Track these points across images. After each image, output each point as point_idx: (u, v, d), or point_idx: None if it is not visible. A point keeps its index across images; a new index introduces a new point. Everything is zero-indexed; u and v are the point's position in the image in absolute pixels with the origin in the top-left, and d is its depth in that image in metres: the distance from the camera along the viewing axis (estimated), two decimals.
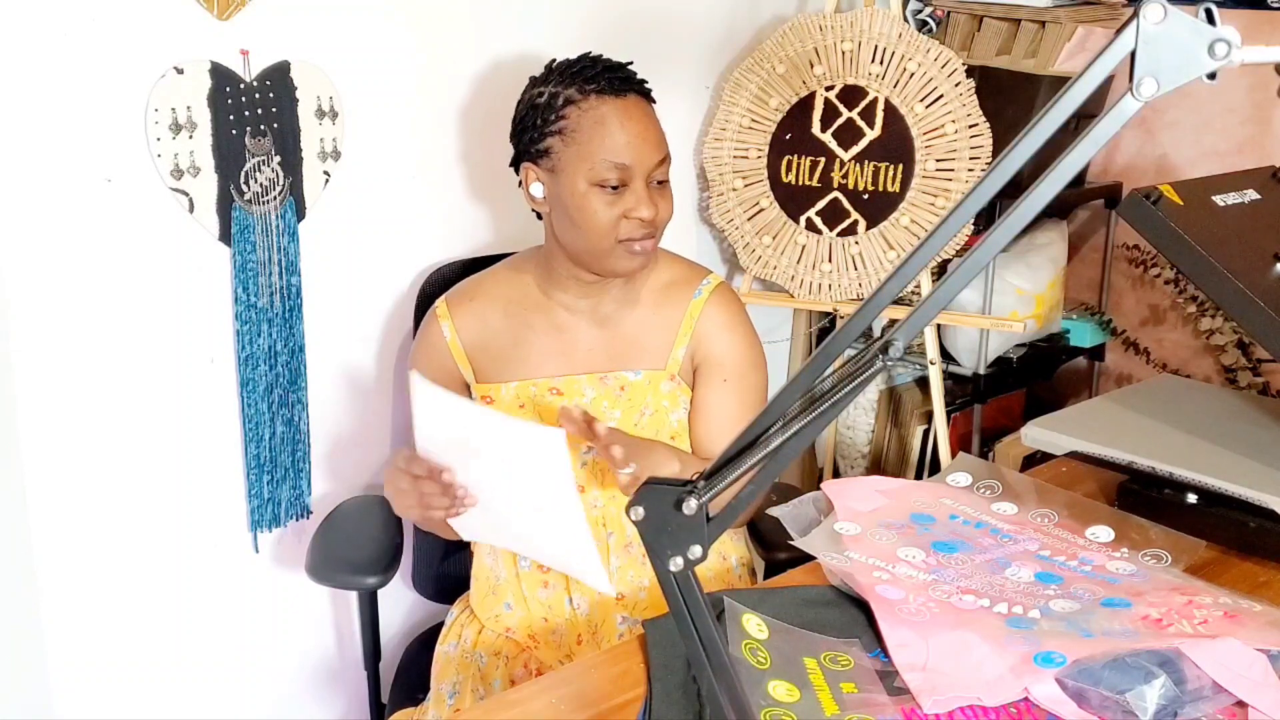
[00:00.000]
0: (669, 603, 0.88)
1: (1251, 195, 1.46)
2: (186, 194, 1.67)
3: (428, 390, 1.40)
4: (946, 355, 2.54)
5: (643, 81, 1.53)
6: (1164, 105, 2.58)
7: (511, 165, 1.58)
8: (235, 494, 1.83)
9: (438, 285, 1.77)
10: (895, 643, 1.13)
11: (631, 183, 1.48)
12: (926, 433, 2.55)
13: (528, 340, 1.59)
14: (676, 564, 0.87)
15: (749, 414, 1.39)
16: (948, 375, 2.51)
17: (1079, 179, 2.62)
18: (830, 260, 2.30)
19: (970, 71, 2.24)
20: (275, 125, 1.74)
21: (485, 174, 2.01)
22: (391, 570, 1.63)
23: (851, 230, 2.27)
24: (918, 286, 2.35)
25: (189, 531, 1.79)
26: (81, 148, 1.58)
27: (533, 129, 1.51)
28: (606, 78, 1.49)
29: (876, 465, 2.67)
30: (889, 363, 0.81)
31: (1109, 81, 0.77)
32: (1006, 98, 2.32)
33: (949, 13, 2.54)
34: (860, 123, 2.25)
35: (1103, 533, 1.36)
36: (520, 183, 1.56)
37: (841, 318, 2.42)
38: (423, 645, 1.80)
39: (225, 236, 1.72)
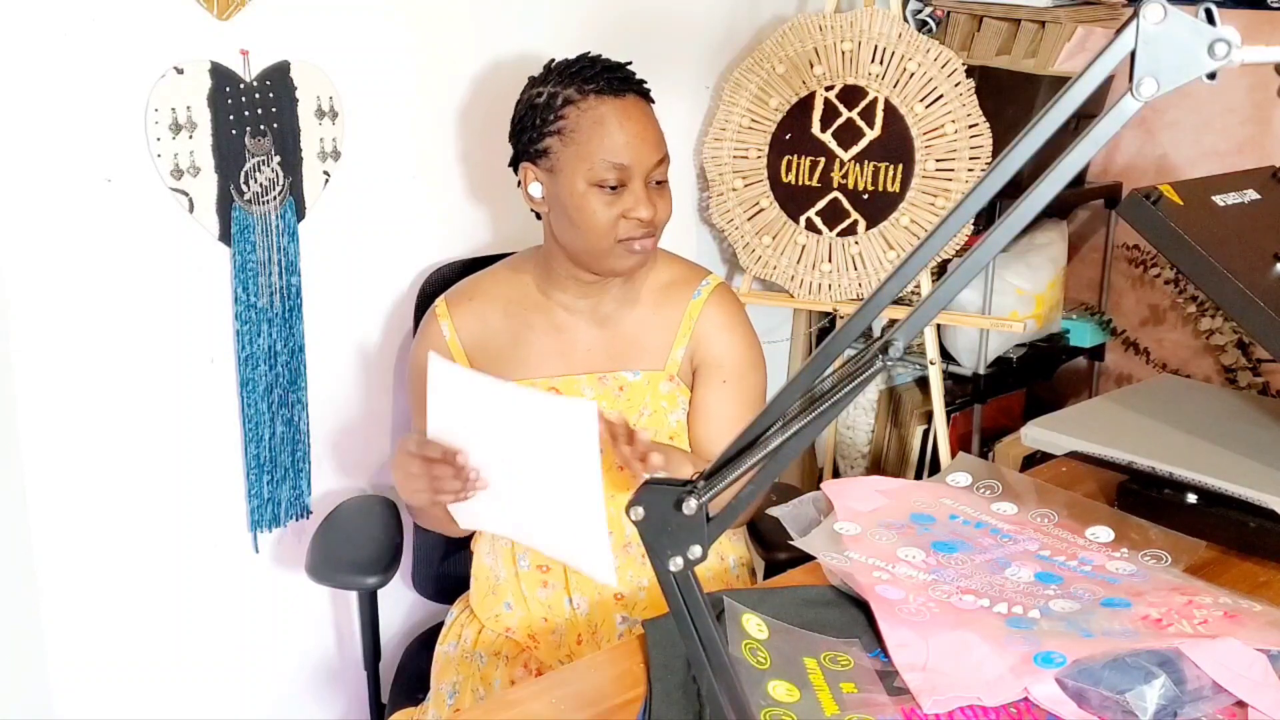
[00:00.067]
0: (669, 603, 0.88)
1: (1251, 195, 1.46)
2: (186, 194, 1.67)
3: (447, 370, 1.40)
4: (946, 355, 2.54)
5: (642, 81, 1.54)
6: (1164, 105, 2.58)
7: (510, 165, 1.58)
8: (235, 494, 1.83)
9: (437, 285, 1.77)
10: (895, 643, 1.13)
11: (630, 183, 1.48)
12: (926, 433, 2.55)
13: (527, 340, 1.59)
14: (676, 564, 0.87)
15: (748, 415, 1.39)
16: (948, 375, 2.51)
17: (1079, 179, 2.62)
18: (830, 260, 2.30)
19: (970, 71, 2.24)
20: (275, 125, 1.74)
21: (485, 174, 2.01)
22: (391, 570, 1.63)
23: (851, 230, 2.27)
24: (918, 286, 2.35)
25: (189, 531, 1.79)
26: (81, 148, 1.58)
27: (531, 129, 1.51)
28: (605, 78, 1.49)
29: (876, 465, 2.67)
30: (889, 363, 0.81)
31: (1109, 81, 0.77)
32: (1006, 98, 2.32)
33: (949, 13, 2.54)
34: (860, 123, 2.25)
35: (1103, 533, 1.36)
36: (519, 183, 1.56)
37: (841, 318, 2.42)
38: (423, 645, 1.80)
39: (225, 236, 1.72)
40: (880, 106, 2.24)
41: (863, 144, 2.25)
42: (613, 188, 1.48)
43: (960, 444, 2.50)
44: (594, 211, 1.48)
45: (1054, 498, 1.44)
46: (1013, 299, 2.47)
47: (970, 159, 2.19)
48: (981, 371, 2.49)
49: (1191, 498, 1.37)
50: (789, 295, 2.35)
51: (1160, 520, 1.37)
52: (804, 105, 2.29)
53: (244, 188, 1.72)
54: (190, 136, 1.65)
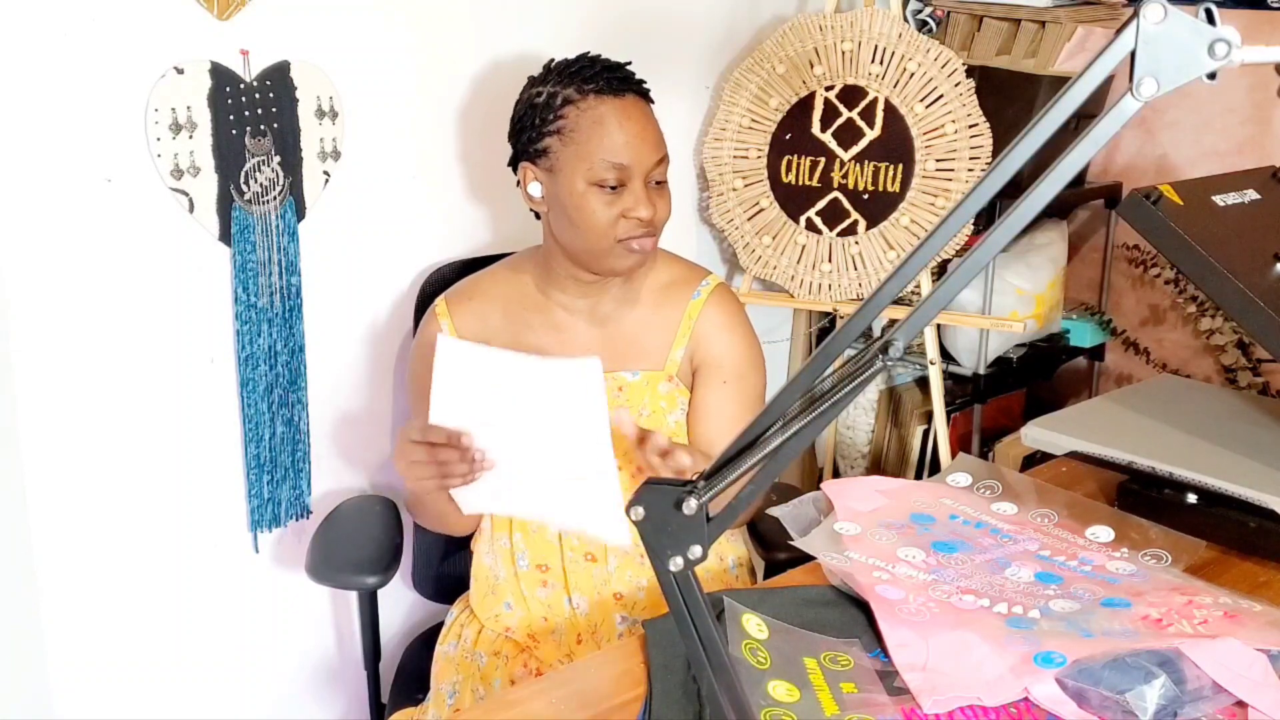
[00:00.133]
0: (669, 603, 0.88)
1: (1251, 195, 1.46)
2: (186, 194, 1.67)
3: (455, 347, 1.41)
4: (946, 355, 2.54)
5: (641, 82, 1.54)
6: (1164, 105, 2.58)
7: (510, 165, 1.58)
8: (235, 494, 1.83)
9: (437, 285, 1.77)
10: (895, 643, 1.13)
11: (630, 183, 1.48)
12: (926, 433, 2.55)
13: (526, 340, 1.59)
14: (676, 564, 0.87)
15: (748, 415, 1.39)
16: (948, 375, 2.51)
17: (1079, 179, 2.62)
18: (830, 260, 2.30)
19: (970, 71, 2.24)
20: (275, 125, 1.74)
21: (485, 174, 2.01)
22: (391, 570, 1.63)
23: (851, 230, 2.27)
24: (918, 286, 2.35)
25: (189, 531, 1.79)
26: (81, 148, 1.58)
27: (531, 128, 1.51)
28: (605, 77, 1.49)
29: (876, 465, 2.67)
30: (889, 363, 0.81)
31: (1109, 81, 0.77)
32: (1006, 98, 2.32)
33: (949, 13, 2.54)
34: (860, 123, 2.25)
35: (1103, 533, 1.36)
36: (518, 182, 1.56)
37: (841, 318, 2.42)
38: (423, 645, 1.80)
39: (225, 236, 1.72)
40: (880, 106, 2.24)
41: (863, 144, 2.25)
42: (613, 187, 1.48)
43: (960, 444, 2.50)
44: (593, 211, 1.48)
45: (1054, 498, 1.44)
46: (1013, 299, 2.47)
47: (970, 159, 2.19)
48: (981, 371, 2.49)
49: (1191, 498, 1.37)
50: (789, 295, 2.35)
51: (1160, 520, 1.37)
52: (804, 105, 2.30)
53: (244, 188, 1.72)
54: (190, 136, 1.65)
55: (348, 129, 1.82)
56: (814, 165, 2.29)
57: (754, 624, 1.16)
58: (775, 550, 1.57)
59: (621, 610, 1.58)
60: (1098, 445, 1.45)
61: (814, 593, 1.25)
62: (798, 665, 1.11)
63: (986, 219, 2.27)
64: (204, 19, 1.65)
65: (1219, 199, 1.41)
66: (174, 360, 1.73)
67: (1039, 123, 0.77)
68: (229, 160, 1.70)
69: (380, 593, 1.68)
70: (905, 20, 2.39)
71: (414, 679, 1.73)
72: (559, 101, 1.49)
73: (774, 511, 1.37)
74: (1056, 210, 2.64)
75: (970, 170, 2.18)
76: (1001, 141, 2.17)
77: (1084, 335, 2.72)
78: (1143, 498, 1.41)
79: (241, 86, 1.69)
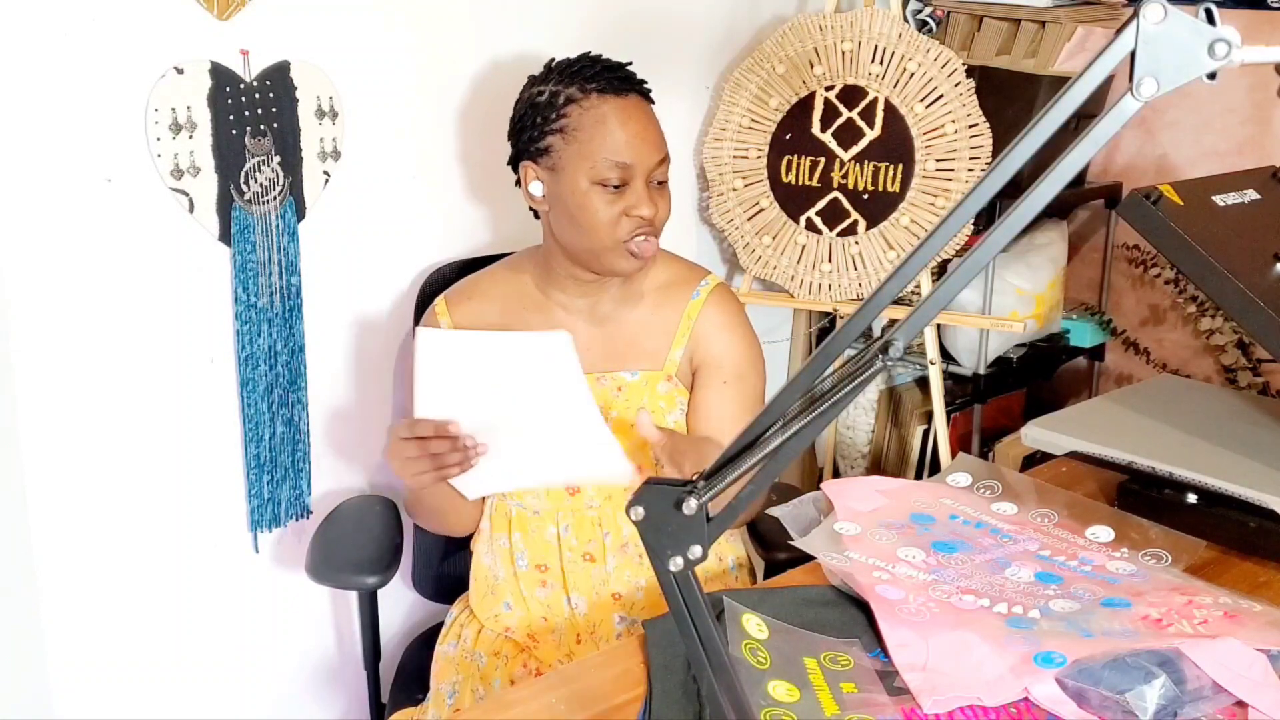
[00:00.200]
0: (669, 603, 0.88)
1: (1251, 195, 1.46)
2: (186, 194, 1.67)
3: (435, 337, 1.44)
4: (946, 355, 2.54)
5: (642, 82, 1.54)
6: (1164, 105, 2.58)
7: (510, 164, 1.58)
8: (235, 494, 1.83)
9: (437, 285, 1.77)
10: (895, 643, 1.13)
11: (632, 182, 1.48)
12: (926, 433, 2.55)
13: None
14: (676, 564, 0.87)
15: (748, 415, 1.39)
16: (948, 375, 2.51)
17: (1079, 179, 2.62)
18: (830, 260, 2.30)
19: (970, 71, 2.24)
20: (275, 125, 1.74)
21: (484, 174, 2.01)
22: (391, 570, 1.63)
23: (851, 230, 2.27)
24: (918, 286, 2.35)
25: (189, 531, 1.79)
26: (81, 148, 1.58)
27: (533, 127, 1.51)
28: (607, 77, 1.49)
29: (876, 465, 2.67)
30: (889, 363, 0.81)
31: (1109, 81, 0.77)
32: (1006, 98, 2.32)
33: (949, 13, 2.54)
34: (860, 123, 2.25)
35: (1103, 533, 1.36)
36: (519, 181, 1.56)
37: (841, 318, 2.42)
38: (423, 645, 1.80)
39: (225, 236, 1.72)
40: (880, 106, 2.24)
41: (863, 144, 2.25)
42: (615, 186, 1.48)
43: (960, 444, 2.50)
44: (596, 210, 1.48)
45: (1054, 498, 1.44)
46: (1013, 299, 2.47)
47: (970, 159, 2.19)
48: (981, 371, 2.49)
49: (1191, 498, 1.37)
50: (789, 295, 2.35)
51: (1160, 520, 1.37)
52: (804, 105, 2.30)
53: (244, 188, 1.72)
54: (190, 136, 1.65)
55: (348, 129, 1.82)
56: (814, 165, 2.29)
57: (754, 624, 1.16)
58: (775, 550, 1.57)
59: (620, 610, 1.58)
60: (1098, 445, 1.45)
61: (814, 593, 1.25)
62: (798, 665, 1.11)
63: (986, 219, 2.27)
64: (204, 19, 1.65)
65: (1219, 199, 1.41)
66: (174, 360, 1.72)
67: (1039, 123, 0.77)
68: (229, 160, 1.70)
69: (380, 593, 1.68)
70: (905, 20, 2.39)
71: (414, 679, 1.73)
72: (561, 100, 1.49)
73: (774, 511, 1.37)
74: (1056, 210, 2.64)
75: (970, 170, 2.18)
76: (1001, 141, 2.17)
77: (1084, 335, 2.72)
78: (1143, 498, 1.41)
79: (241, 86, 1.69)
